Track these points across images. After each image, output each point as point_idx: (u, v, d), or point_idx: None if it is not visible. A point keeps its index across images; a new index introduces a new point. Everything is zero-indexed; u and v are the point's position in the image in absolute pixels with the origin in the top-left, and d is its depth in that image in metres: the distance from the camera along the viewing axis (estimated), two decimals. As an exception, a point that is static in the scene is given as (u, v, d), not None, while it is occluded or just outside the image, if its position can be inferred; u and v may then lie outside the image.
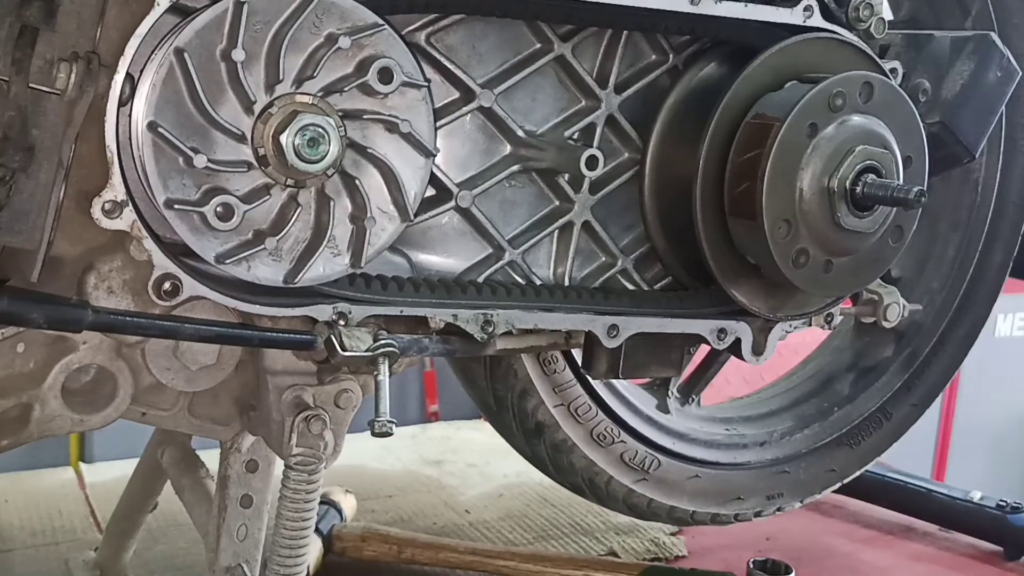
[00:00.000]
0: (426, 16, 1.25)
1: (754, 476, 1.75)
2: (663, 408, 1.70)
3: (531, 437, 1.63)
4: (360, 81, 1.10)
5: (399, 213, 1.15)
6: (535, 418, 1.59)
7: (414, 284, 1.24)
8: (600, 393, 1.61)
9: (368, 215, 1.13)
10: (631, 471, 1.66)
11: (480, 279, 1.32)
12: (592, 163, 1.33)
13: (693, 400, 1.75)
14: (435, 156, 1.17)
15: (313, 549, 1.67)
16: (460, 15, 1.26)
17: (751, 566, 1.66)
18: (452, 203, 1.29)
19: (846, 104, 1.31)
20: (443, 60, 1.27)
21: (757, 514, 1.78)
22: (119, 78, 1.05)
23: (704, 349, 1.50)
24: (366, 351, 1.16)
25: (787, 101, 1.30)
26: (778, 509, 1.79)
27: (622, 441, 1.64)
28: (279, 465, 1.27)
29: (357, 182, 1.13)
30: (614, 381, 1.63)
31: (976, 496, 2.04)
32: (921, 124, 1.39)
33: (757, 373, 2.08)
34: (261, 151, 1.08)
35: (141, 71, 1.07)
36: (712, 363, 1.71)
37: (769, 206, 1.29)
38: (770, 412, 1.83)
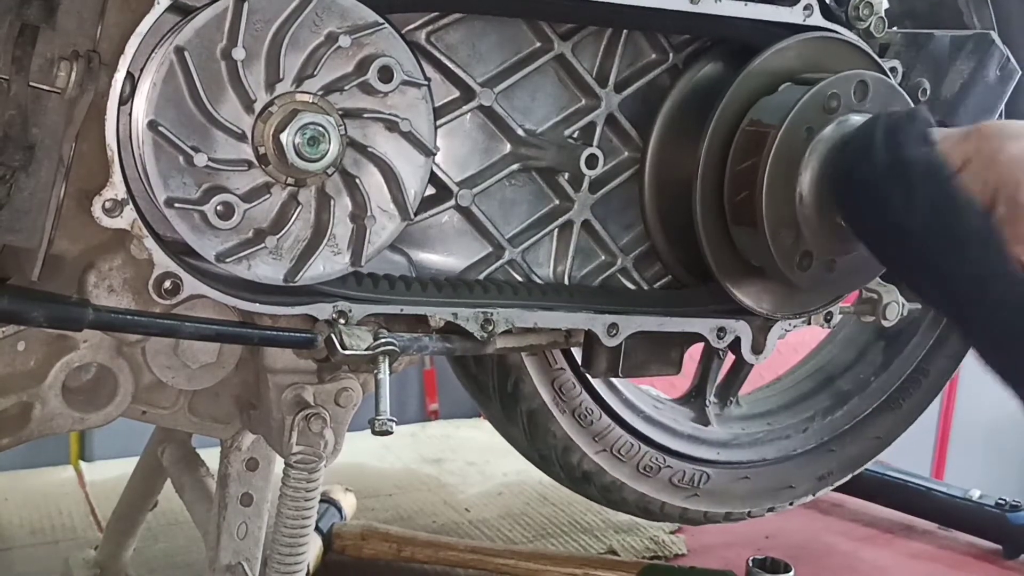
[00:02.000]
0: (426, 15, 1.25)
1: (802, 462, 1.80)
2: (702, 420, 1.73)
3: (581, 485, 1.69)
4: (360, 80, 1.10)
5: (399, 212, 1.15)
6: (581, 468, 1.64)
7: (414, 283, 1.24)
8: (637, 427, 1.64)
9: (368, 214, 1.13)
10: (682, 491, 1.71)
11: (480, 278, 1.32)
12: (592, 162, 1.33)
13: (732, 402, 1.78)
14: (435, 155, 1.17)
15: (313, 547, 1.67)
16: (460, 14, 1.26)
17: (750, 564, 1.66)
18: (452, 202, 1.29)
19: (841, 105, 1.30)
20: (443, 59, 1.27)
21: (812, 493, 1.83)
22: (119, 77, 1.05)
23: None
24: (366, 349, 1.16)
25: (782, 106, 1.30)
26: (830, 485, 1.85)
27: (668, 467, 1.69)
28: (279, 463, 1.27)
29: (357, 181, 1.13)
30: (649, 409, 1.68)
31: (975, 495, 2.04)
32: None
33: (757, 372, 2.08)
34: (261, 150, 1.08)
35: (141, 70, 1.07)
36: (743, 363, 1.72)
37: (770, 214, 1.28)
38: (806, 394, 1.86)
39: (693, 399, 1.75)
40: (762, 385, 1.91)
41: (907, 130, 1.20)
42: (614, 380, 1.65)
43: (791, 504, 1.82)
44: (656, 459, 1.67)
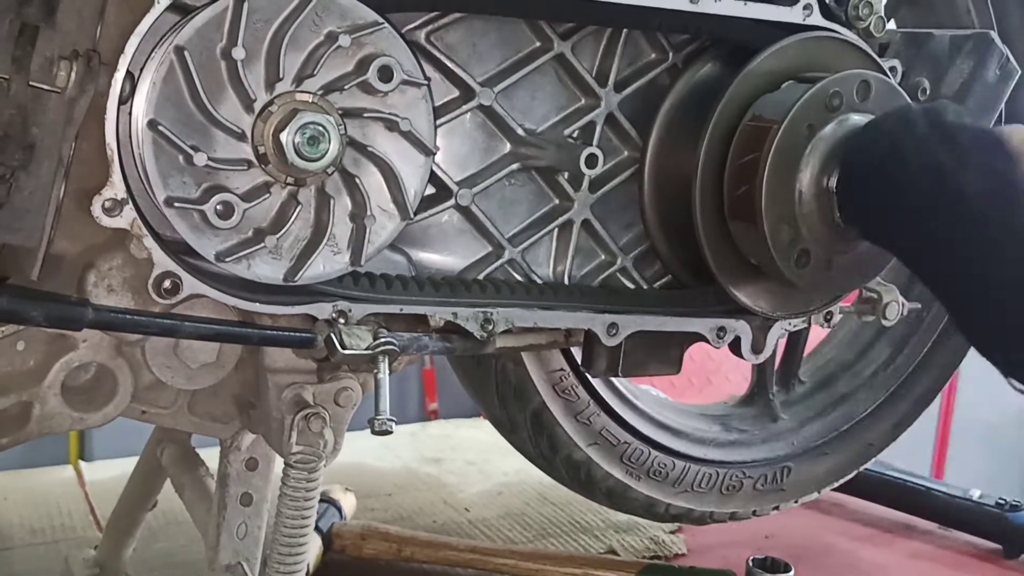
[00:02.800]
0: (426, 14, 1.25)
1: (875, 418, 1.86)
2: (770, 416, 1.78)
3: (663, 518, 1.78)
4: (360, 79, 1.10)
5: (399, 211, 1.15)
6: (669, 513, 1.75)
7: (414, 282, 1.24)
8: (709, 457, 1.72)
9: (368, 213, 1.13)
10: (768, 495, 1.78)
11: (480, 277, 1.32)
12: (592, 161, 1.33)
13: (794, 383, 1.81)
14: (435, 154, 1.17)
15: (313, 547, 1.67)
16: (460, 13, 1.26)
17: (750, 564, 1.66)
18: (452, 201, 1.29)
19: (843, 104, 1.31)
20: (443, 58, 1.27)
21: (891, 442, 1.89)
22: (119, 76, 1.05)
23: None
24: (366, 349, 1.16)
25: (784, 102, 1.30)
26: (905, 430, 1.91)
27: (748, 478, 1.75)
28: (279, 463, 1.27)
29: (357, 180, 1.13)
30: (716, 431, 1.75)
31: (975, 494, 2.04)
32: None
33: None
34: (261, 149, 1.08)
35: (141, 69, 1.07)
36: (796, 343, 1.74)
37: (769, 209, 1.29)
38: (863, 349, 1.90)
39: (756, 398, 1.79)
40: (814, 351, 1.94)
41: (941, 110, 1.20)
42: (672, 422, 1.72)
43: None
44: (735, 476, 1.74)
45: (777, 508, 1.81)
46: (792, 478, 1.78)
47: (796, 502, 1.82)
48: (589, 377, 1.60)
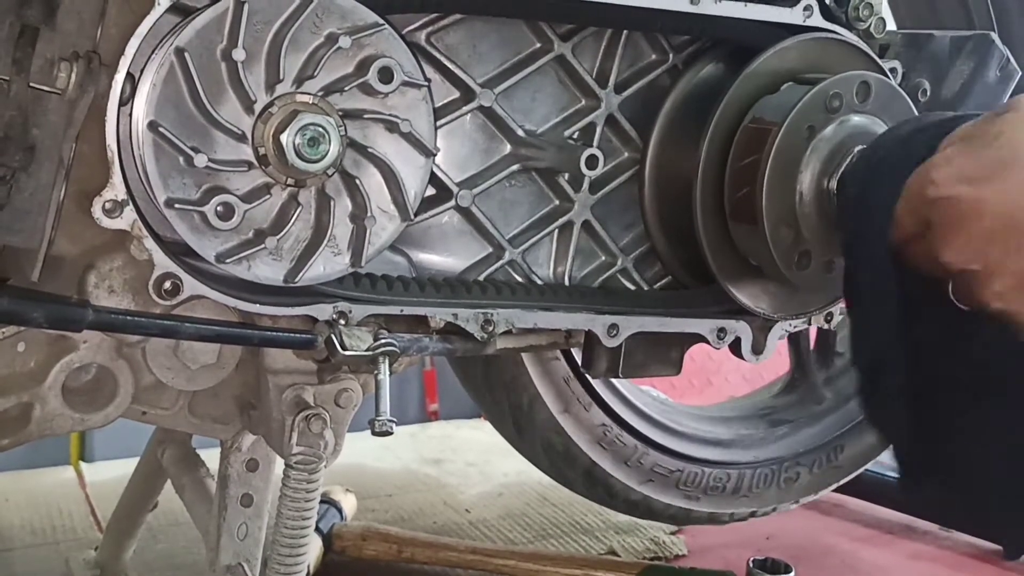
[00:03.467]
0: (426, 16, 1.25)
1: None
2: (816, 397, 1.81)
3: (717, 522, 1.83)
4: (360, 81, 1.10)
5: (399, 212, 1.15)
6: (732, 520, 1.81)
7: (414, 283, 1.24)
8: (761, 456, 1.77)
9: (368, 214, 1.13)
10: (827, 476, 1.84)
11: (480, 278, 1.32)
12: (592, 162, 1.33)
13: (833, 357, 1.83)
14: (435, 155, 1.17)
15: (313, 548, 1.67)
16: (460, 15, 1.26)
17: (751, 565, 1.66)
18: (452, 202, 1.29)
19: (843, 105, 1.30)
20: (443, 60, 1.27)
21: None
22: (120, 77, 1.05)
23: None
24: (366, 350, 1.17)
25: (784, 104, 1.30)
26: None
27: (804, 465, 1.80)
28: (279, 464, 1.27)
29: (357, 181, 1.13)
30: (763, 431, 1.80)
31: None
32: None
33: (757, 371, 2.08)
34: (261, 150, 1.08)
35: (142, 70, 1.07)
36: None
37: (769, 210, 1.28)
38: None
39: (798, 382, 1.83)
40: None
41: (888, 169, 1.16)
42: (719, 435, 1.78)
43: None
44: (792, 469, 1.79)
45: (837, 484, 1.85)
46: (846, 454, 1.82)
47: (852, 474, 1.85)
48: (631, 422, 1.67)
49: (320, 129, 1.07)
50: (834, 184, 1.28)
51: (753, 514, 1.80)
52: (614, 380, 1.67)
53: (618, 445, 1.67)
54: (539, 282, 1.36)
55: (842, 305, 1.49)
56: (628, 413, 1.69)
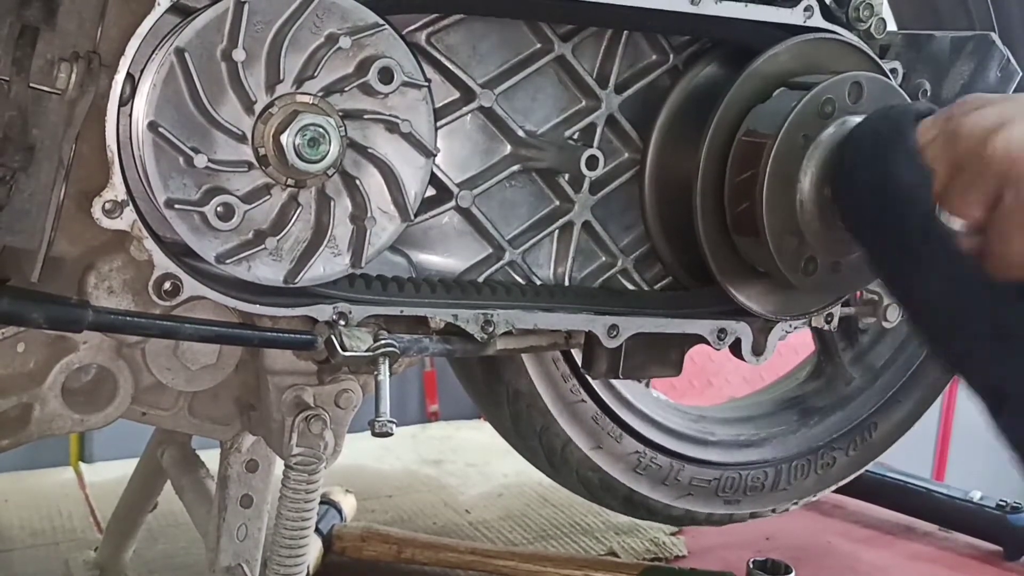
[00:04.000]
0: (426, 16, 1.25)
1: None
2: (845, 378, 1.83)
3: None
4: (360, 81, 1.10)
5: (399, 213, 1.15)
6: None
7: (414, 284, 1.24)
8: (796, 452, 1.79)
9: (368, 215, 1.13)
10: (862, 455, 1.86)
11: (480, 279, 1.32)
12: (592, 163, 1.33)
13: (857, 336, 1.84)
14: (435, 156, 1.17)
15: (313, 549, 1.67)
16: (460, 15, 1.26)
17: (751, 566, 1.66)
18: (452, 203, 1.29)
19: (836, 109, 1.30)
20: (443, 60, 1.27)
21: None
22: (119, 78, 1.05)
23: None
24: (366, 351, 1.16)
25: (777, 114, 1.29)
26: None
27: (840, 448, 1.82)
28: (279, 465, 1.27)
29: (357, 182, 1.13)
30: (799, 413, 1.83)
31: (976, 496, 2.04)
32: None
33: (757, 372, 2.08)
34: (261, 151, 1.08)
35: (142, 71, 1.07)
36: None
37: (771, 223, 1.28)
38: None
39: (825, 365, 1.85)
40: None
41: (892, 144, 1.14)
42: (752, 436, 1.80)
43: None
44: (827, 455, 1.82)
45: (868, 463, 1.88)
46: (880, 431, 1.84)
47: (885, 450, 1.88)
48: (663, 444, 1.70)
49: (320, 129, 1.07)
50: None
51: (795, 503, 1.84)
52: (641, 407, 1.70)
53: (653, 468, 1.70)
54: (539, 283, 1.35)
55: (842, 307, 1.49)
56: (659, 435, 1.71)
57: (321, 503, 1.76)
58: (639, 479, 1.70)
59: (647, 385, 1.69)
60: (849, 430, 1.83)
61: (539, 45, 1.32)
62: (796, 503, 1.84)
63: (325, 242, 1.12)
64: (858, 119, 1.30)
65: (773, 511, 1.83)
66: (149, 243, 1.08)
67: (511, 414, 1.64)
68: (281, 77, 1.07)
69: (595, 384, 1.63)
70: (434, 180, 1.26)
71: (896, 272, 1.15)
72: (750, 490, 1.77)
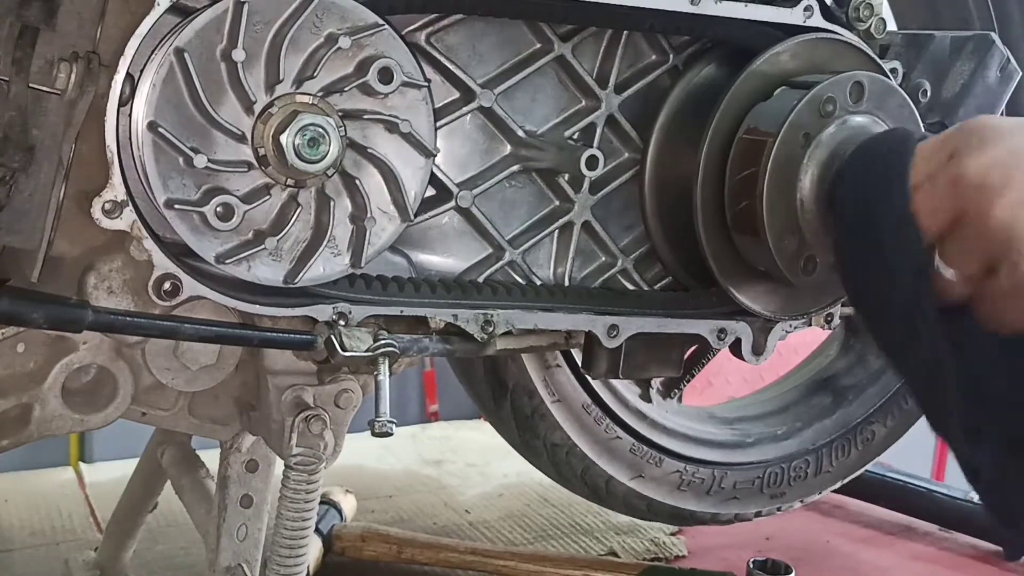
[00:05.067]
0: (426, 16, 1.25)
1: None
2: (877, 351, 1.80)
3: None
4: (360, 81, 1.10)
5: (399, 213, 1.15)
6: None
7: (414, 284, 1.24)
8: (844, 429, 1.82)
9: (368, 215, 1.13)
10: (900, 427, 1.86)
11: (480, 279, 1.32)
12: (592, 163, 1.33)
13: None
14: (435, 156, 1.17)
15: (313, 549, 1.67)
16: (460, 15, 1.26)
17: (751, 566, 1.66)
18: (452, 203, 1.29)
19: (837, 108, 1.30)
20: (443, 60, 1.27)
21: None
22: (119, 78, 1.05)
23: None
24: (366, 351, 1.16)
25: (778, 112, 1.28)
26: None
27: (878, 421, 1.84)
28: (279, 465, 1.27)
29: (357, 182, 1.13)
30: (833, 394, 1.84)
31: (976, 496, 2.03)
32: (921, 124, 1.38)
33: (757, 372, 2.08)
34: (261, 151, 1.08)
35: (141, 71, 1.07)
36: None
37: (771, 222, 1.28)
38: None
39: (852, 341, 1.88)
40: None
41: (884, 182, 1.11)
42: (792, 427, 1.82)
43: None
44: (867, 430, 1.83)
45: (907, 431, 1.89)
46: (891, 426, 1.85)
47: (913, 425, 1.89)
48: (703, 457, 1.71)
49: (320, 129, 1.07)
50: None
51: (843, 484, 1.86)
52: (675, 427, 1.71)
53: (696, 482, 1.72)
54: (539, 283, 1.35)
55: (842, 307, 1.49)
56: (697, 449, 1.72)
57: (321, 503, 1.76)
58: (684, 496, 1.72)
59: (679, 401, 1.68)
60: (886, 401, 1.84)
61: (539, 45, 1.32)
62: (843, 480, 1.86)
63: (325, 242, 1.12)
64: (858, 118, 1.30)
65: (820, 492, 1.84)
66: (149, 243, 1.08)
67: (552, 464, 1.68)
68: (281, 77, 1.07)
69: (627, 418, 1.65)
70: (434, 180, 1.26)
71: (867, 309, 1.15)
72: (794, 480, 1.79)
